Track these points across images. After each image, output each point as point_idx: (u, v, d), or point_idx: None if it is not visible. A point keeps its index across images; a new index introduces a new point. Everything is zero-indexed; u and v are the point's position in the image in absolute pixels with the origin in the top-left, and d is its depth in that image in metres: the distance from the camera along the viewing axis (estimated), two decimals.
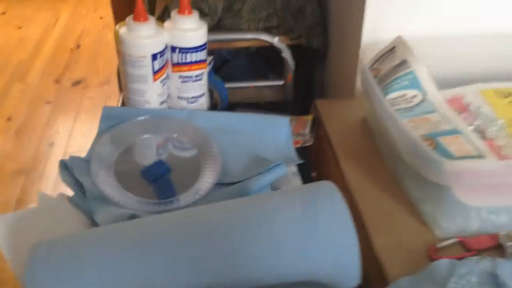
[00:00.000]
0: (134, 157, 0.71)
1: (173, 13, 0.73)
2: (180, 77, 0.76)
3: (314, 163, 0.83)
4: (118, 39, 0.72)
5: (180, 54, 0.74)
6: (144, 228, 0.49)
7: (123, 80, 0.75)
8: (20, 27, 3.22)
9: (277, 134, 0.77)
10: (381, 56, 0.78)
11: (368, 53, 0.82)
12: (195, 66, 0.75)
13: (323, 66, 1.20)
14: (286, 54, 0.90)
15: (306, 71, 1.18)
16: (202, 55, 0.75)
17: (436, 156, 0.58)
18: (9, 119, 2.34)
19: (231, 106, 0.89)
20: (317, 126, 0.85)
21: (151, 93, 0.75)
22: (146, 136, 0.74)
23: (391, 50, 0.77)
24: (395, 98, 0.72)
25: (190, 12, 0.73)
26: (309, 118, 0.87)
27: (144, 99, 0.75)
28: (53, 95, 2.52)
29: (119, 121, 0.74)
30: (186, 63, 0.75)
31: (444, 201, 0.62)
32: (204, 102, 0.80)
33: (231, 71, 1.27)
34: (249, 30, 1.15)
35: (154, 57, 0.71)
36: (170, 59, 0.75)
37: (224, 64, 1.29)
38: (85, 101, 2.49)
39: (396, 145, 0.67)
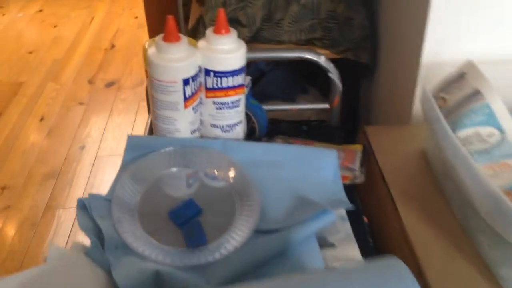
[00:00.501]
0: (160, 196, 0.63)
1: (208, 32, 0.64)
2: (215, 103, 0.67)
3: (363, 202, 0.73)
4: (146, 60, 0.64)
5: (215, 78, 0.65)
6: None
7: (151, 104, 0.66)
8: (56, 26, 3.22)
9: (323, 169, 0.68)
10: (448, 83, 0.67)
11: (430, 77, 0.71)
12: (232, 92, 0.66)
13: (371, 84, 1.09)
14: (334, 75, 0.80)
15: (351, 88, 1.07)
16: (240, 79, 0.66)
17: None
18: (42, 119, 2.32)
19: (271, 127, 0.79)
20: (367, 157, 0.75)
21: (182, 121, 0.66)
22: (173, 170, 0.65)
23: (460, 76, 0.66)
24: (467, 136, 0.61)
25: (227, 31, 0.63)
26: (358, 148, 0.77)
27: (174, 127, 0.66)
28: (87, 96, 2.48)
29: (145, 151, 0.66)
30: (221, 88, 0.66)
31: None
32: (240, 130, 0.71)
33: (268, 85, 1.17)
34: (289, 42, 1.05)
35: (185, 82, 0.63)
36: (204, 83, 0.66)
37: (261, 77, 1.20)
38: (118, 103, 2.45)
39: (469, 194, 0.56)
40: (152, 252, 0.55)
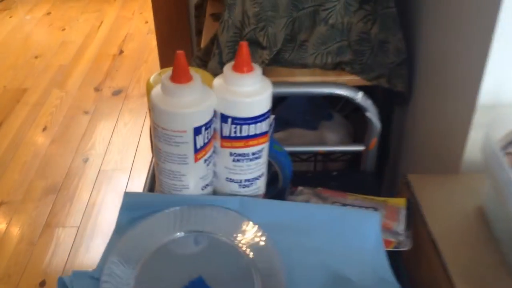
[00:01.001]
0: (161, 271, 0.50)
1: (227, 70, 0.52)
2: (232, 154, 0.55)
3: (410, 271, 0.61)
4: (149, 101, 0.52)
5: (233, 126, 0.53)
6: None
7: (154, 155, 0.55)
8: (64, 29, 3.12)
9: (363, 237, 0.55)
10: None
11: (489, 120, 0.59)
12: (254, 141, 0.54)
13: (406, 119, 0.96)
14: (372, 114, 0.68)
15: (383, 122, 0.95)
16: (264, 126, 0.54)
17: None
18: (45, 128, 2.22)
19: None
20: (412, 215, 0.63)
21: (191, 176, 0.54)
22: (178, 235, 0.53)
23: None
24: None
25: (250, 69, 0.51)
26: (401, 204, 0.64)
27: (181, 183, 0.54)
28: (92, 104, 2.38)
29: (145, 211, 0.54)
30: (241, 138, 0.53)
31: None
32: (261, 185, 0.59)
33: (288, 111, 1.05)
34: (314, 65, 0.93)
35: (197, 131, 0.51)
36: (220, 130, 0.54)
37: (280, 102, 1.07)
38: (125, 113, 2.34)
39: None
40: None
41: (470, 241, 0.58)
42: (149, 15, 3.25)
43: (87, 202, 1.82)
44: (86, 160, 2.03)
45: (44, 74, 2.63)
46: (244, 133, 0.53)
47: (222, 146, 0.55)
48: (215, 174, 0.57)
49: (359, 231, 0.55)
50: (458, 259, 0.55)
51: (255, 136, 0.54)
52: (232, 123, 0.52)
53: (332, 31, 0.91)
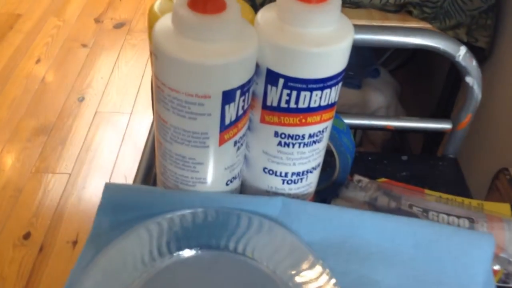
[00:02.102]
0: None
1: None
2: (279, 135, 0.34)
3: None
4: (152, 41, 0.31)
5: (287, 91, 0.32)
6: None
7: (155, 129, 0.34)
8: None
9: (468, 271, 0.36)
10: None
11: None
12: (315, 117, 0.34)
13: (480, 88, 0.75)
14: (475, 80, 0.47)
15: (449, 83, 0.74)
16: (333, 93, 0.33)
17: None
18: (38, 61, 2.02)
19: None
20: None
21: (212, 166, 0.34)
22: (187, 253, 0.34)
23: None
24: None
25: None
26: (505, 212, 0.45)
27: (196, 176, 0.34)
28: (91, 37, 2.18)
29: (135, 215, 0.34)
30: (296, 111, 0.33)
31: None
32: (314, 180, 0.38)
33: None
34: (371, 5, 0.71)
35: (227, 97, 0.30)
36: (263, 96, 0.33)
37: None
38: (126, 48, 2.15)
39: None
40: None
41: None
42: None
43: (81, 147, 1.65)
44: (81, 100, 1.85)
45: (40, 0, 2.40)
46: (301, 104, 0.33)
47: (263, 122, 0.34)
48: (246, 161, 0.37)
49: (463, 261, 0.36)
50: None
51: (318, 109, 0.33)
52: (285, 86, 0.32)
53: None
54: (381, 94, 0.85)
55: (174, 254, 0.34)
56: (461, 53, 0.45)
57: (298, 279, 0.33)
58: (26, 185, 1.52)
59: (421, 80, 0.92)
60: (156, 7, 0.37)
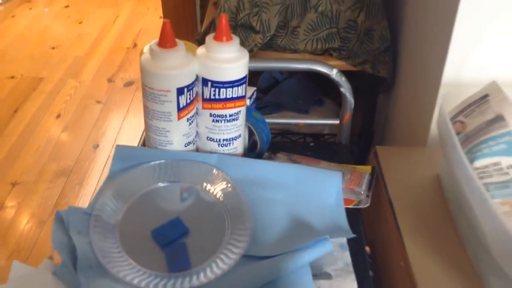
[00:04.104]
0: (145, 212, 0.58)
1: (208, 39, 0.59)
2: (212, 115, 0.62)
3: (368, 229, 0.67)
4: (140, 66, 0.60)
5: (213, 89, 0.60)
6: None
7: (144, 115, 0.62)
8: (81, 22, 3.23)
9: (325, 192, 0.62)
10: (469, 105, 0.60)
11: (450, 97, 0.65)
12: (231, 104, 0.61)
13: (388, 100, 1.03)
14: (346, 90, 0.74)
15: (367, 105, 1.01)
16: (240, 90, 0.61)
17: None
18: (58, 116, 2.31)
19: (276, 141, 0.74)
20: (376, 180, 0.69)
21: (175, 133, 0.61)
22: (162, 185, 0.61)
23: (482, 99, 0.59)
24: (485, 167, 0.55)
25: (228, 39, 0.58)
26: (367, 170, 0.71)
27: (166, 139, 0.62)
28: (105, 94, 2.47)
29: (134, 162, 0.62)
30: (219, 100, 0.61)
31: None
32: (238, 145, 0.66)
33: (281, 95, 1.12)
34: (305, 50, 1.00)
35: (180, 91, 0.58)
36: (201, 93, 0.61)
37: (274, 86, 1.14)
38: (135, 103, 2.42)
39: (481, 231, 0.50)
40: (128, 274, 0.50)
41: (423, 203, 0.64)
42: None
43: (96, 185, 1.91)
44: (96, 147, 2.12)
45: (60, 65, 2.73)
46: (222, 96, 0.60)
47: (203, 108, 0.62)
48: (197, 134, 0.65)
49: (322, 188, 0.62)
50: (409, 217, 0.62)
51: (232, 99, 0.61)
52: (212, 86, 0.60)
53: (322, 19, 0.98)
54: (324, 118, 1.12)
55: (157, 183, 0.60)
56: (333, 72, 0.73)
57: (212, 185, 0.59)
58: (49, 219, 1.77)
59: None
60: (144, 49, 0.65)
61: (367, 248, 0.62)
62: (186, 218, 0.57)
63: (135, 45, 2.95)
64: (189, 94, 0.59)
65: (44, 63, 2.74)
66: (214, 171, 0.61)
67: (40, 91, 2.48)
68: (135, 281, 0.50)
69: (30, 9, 3.44)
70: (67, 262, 0.50)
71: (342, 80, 0.74)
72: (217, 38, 0.59)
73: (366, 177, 0.69)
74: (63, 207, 1.79)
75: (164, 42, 0.56)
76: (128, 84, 2.56)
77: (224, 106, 0.61)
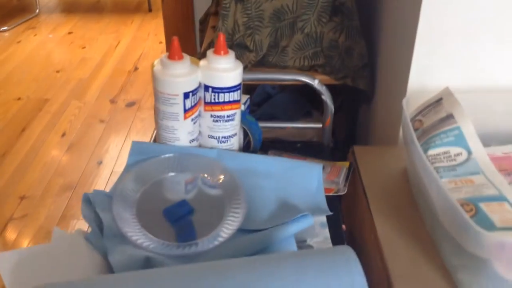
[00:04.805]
0: (157, 195, 0.70)
1: (209, 52, 0.72)
2: (212, 116, 0.74)
3: (345, 214, 0.79)
4: (152, 74, 0.72)
5: (213, 94, 0.72)
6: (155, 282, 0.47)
7: (155, 116, 0.74)
8: (84, 47, 3.38)
9: (308, 180, 0.74)
10: (426, 107, 0.73)
11: (414, 102, 0.78)
12: (228, 106, 0.74)
13: (368, 108, 1.16)
14: (327, 97, 0.87)
15: (350, 113, 1.14)
16: (235, 95, 0.73)
17: (475, 227, 0.52)
18: (63, 135, 2.42)
19: (268, 143, 0.86)
20: (352, 174, 0.81)
21: (181, 131, 0.73)
22: (171, 174, 0.73)
23: (437, 101, 0.72)
24: (437, 155, 0.67)
25: (225, 52, 0.71)
26: (345, 165, 0.83)
27: (174, 136, 0.74)
28: (108, 114, 2.59)
29: (147, 156, 0.73)
30: (218, 103, 0.73)
31: (483, 273, 0.56)
32: (235, 142, 0.78)
33: (273, 107, 1.25)
34: (293, 67, 1.13)
35: (186, 95, 0.70)
36: (203, 97, 0.74)
37: (267, 100, 1.27)
38: (137, 122, 2.54)
39: (434, 205, 0.62)
40: (144, 241, 0.61)
41: (391, 190, 0.76)
42: (163, 36, 3.51)
43: None
44: (100, 163, 2.23)
45: (65, 87, 2.86)
46: (221, 100, 0.73)
47: (205, 110, 0.74)
48: (200, 132, 0.77)
49: (305, 176, 0.74)
50: (378, 201, 0.73)
51: (229, 102, 0.73)
52: (212, 91, 0.72)
53: (308, 39, 1.12)
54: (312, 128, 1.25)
55: (167, 173, 0.72)
56: (315, 82, 0.85)
57: (212, 174, 0.71)
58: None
59: (341, 118, 1.32)
60: (155, 62, 0.78)
61: (344, 226, 0.73)
62: (191, 200, 0.69)
63: (136, 68, 3.09)
64: (194, 98, 0.72)
65: (49, 86, 2.87)
66: (215, 162, 0.73)
67: (46, 112, 2.60)
68: (151, 247, 0.61)
69: (35, 35, 3.59)
70: (95, 230, 0.61)
71: (323, 89, 0.86)
72: (216, 52, 0.71)
73: (344, 170, 0.81)
74: (69, 219, 1.91)
75: (173, 55, 0.69)
76: (130, 104, 2.68)
77: (223, 108, 0.73)
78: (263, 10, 1.10)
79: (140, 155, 0.74)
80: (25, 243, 1.79)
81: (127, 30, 3.68)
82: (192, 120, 0.74)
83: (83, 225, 1.86)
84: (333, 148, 0.98)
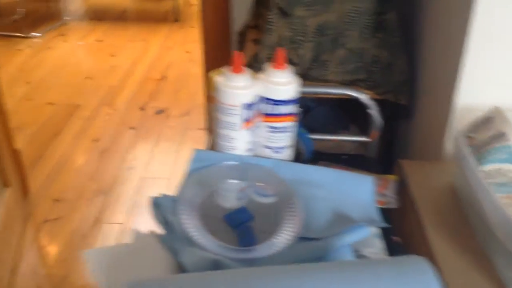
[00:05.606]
0: (218, 201, 0.73)
1: (268, 66, 0.75)
2: (269, 127, 0.77)
3: (395, 227, 0.81)
4: (212, 86, 0.75)
5: (271, 106, 0.75)
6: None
7: (213, 125, 0.77)
8: (113, 55, 3.46)
9: (360, 192, 0.76)
10: (477, 124, 0.75)
11: (460, 118, 0.80)
12: (285, 118, 0.77)
13: (408, 124, 1.18)
14: (374, 111, 0.90)
15: (389, 127, 1.16)
16: (292, 108, 0.76)
17: None
18: (95, 140, 2.48)
19: (315, 155, 0.89)
20: (401, 188, 0.83)
21: (239, 140, 0.77)
22: (231, 181, 0.76)
23: (488, 119, 0.74)
24: (489, 171, 0.69)
25: (285, 67, 0.74)
26: (393, 178, 0.85)
27: (231, 145, 0.77)
28: (137, 121, 2.65)
29: (207, 163, 0.77)
30: (276, 115, 0.76)
31: None
32: (289, 153, 0.81)
33: (313, 120, 1.27)
34: (334, 81, 1.16)
35: (245, 106, 0.74)
36: (262, 109, 0.77)
37: (306, 113, 1.30)
38: (165, 130, 2.59)
39: (488, 220, 0.64)
40: (209, 245, 0.64)
41: (441, 204, 0.78)
42: (189, 46, 3.58)
43: (130, 203, 2.06)
44: (130, 168, 2.28)
45: (95, 93, 2.93)
46: (279, 112, 0.76)
47: (262, 121, 0.77)
48: (256, 142, 0.80)
49: (358, 188, 0.77)
50: (430, 214, 0.75)
51: (286, 114, 0.76)
52: (271, 103, 0.75)
53: (350, 54, 1.14)
54: (350, 141, 1.27)
55: (227, 179, 0.75)
56: (363, 96, 0.88)
57: (269, 183, 0.74)
58: (89, 232, 1.91)
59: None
60: (210, 74, 0.82)
61: (396, 239, 0.75)
62: (250, 208, 0.72)
63: (164, 77, 3.15)
64: (252, 109, 0.75)
65: (80, 92, 2.95)
66: (271, 172, 0.76)
67: (77, 117, 2.67)
68: (216, 250, 0.64)
69: (65, 42, 3.69)
70: (167, 233, 0.64)
71: (370, 103, 0.89)
72: (276, 66, 0.75)
73: (392, 183, 0.83)
74: (102, 222, 1.95)
75: (236, 68, 0.73)
76: (159, 112, 2.74)
77: (280, 120, 0.76)
78: (307, 25, 1.13)
79: (200, 162, 0.77)
80: (59, 245, 1.83)
81: (155, 39, 3.75)
82: (250, 130, 0.77)
83: (114, 229, 1.90)
84: (373, 160, 1.00)
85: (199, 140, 2.47)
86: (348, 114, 1.35)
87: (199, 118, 2.65)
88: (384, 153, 1.11)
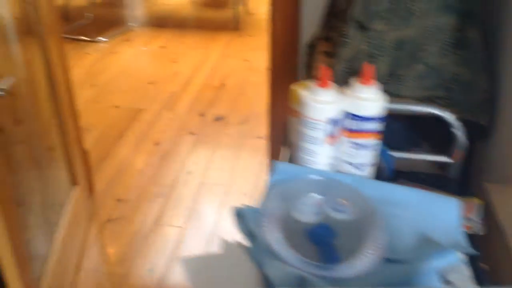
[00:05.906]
0: (300, 215, 0.72)
1: (353, 82, 0.74)
2: (352, 143, 0.76)
3: (479, 253, 0.77)
4: (296, 100, 0.75)
5: (356, 122, 0.74)
6: None
7: (294, 137, 0.77)
8: (175, 61, 3.54)
9: (446, 214, 0.74)
10: None
11: None
12: (369, 135, 0.75)
13: (485, 144, 1.13)
14: (459, 131, 0.87)
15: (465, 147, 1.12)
16: (378, 125, 0.75)
17: None
18: (156, 143, 2.54)
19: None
20: (486, 212, 0.80)
21: (321, 155, 0.76)
22: (313, 195, 0.75)
23: None
24: None
25: (371, 82, 0.73)
26: (478, 202, 0.82)
27: (313, 159, 0.76)
28: (197, 127, 2.69)
29: (289, 176, 0.77)
30: (360, 131, 0.75)
31: None
32: (371, 169, 0.79)
33: (386, 138, 1.25)
34: (409, 97, 1.13)
35: (330, 121, 0.73)
36: (346, 124, 0.76)
37: None
38: (223, 137, 2.62)
39: None
40: (291, 259, 0.64)
41: None
42: (248, 54, 3.61)
43: (189, 207, 2.09)
44: (190, 173, 2.31)
45: (157, 98, 3.00)
46: (364, 128, 0.75)
47: (345, 136, 0.77)
48: (338, 157, 0.79)
49: (444, 210, 0.74)
50: None
51: (372, 131, 0.75)
52: (356, 119, 0.74)
53: (428, 70, 1.11)
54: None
55: (309, 193, 0.75)
56: (447, 115, 0.85)
57: (357, 206, 0.73)
58: (149, 233, 1.95)
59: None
60: (292, 87, 0.81)
61: (485, 266, 0.72)
62: (332, 224, 0.71)
63: (223, 84, 3.19)
64: (337, 124, 0.74)
65: (143, 96, 3.03)
66: (354, 189, 0.75)
67: (140, 121, 2.74)
68: (299, 265, 0.63)
69: (130, 47, 3.81)
70: (253, 245, 0.65)
71: (456, 123, 0.86)
72: (362, 81, 0.74)
73: (477, 207, 0.80)
74: (162, 224, 1.98)
75: (322, 82, 0.72)
76: (218, 119, 2.77)
77: (365, 136, 0.75)
78: (385, 39, 1.11)
79: (281, 175, 0.77)
80: (121, 244, 1.88)
81: (215, 47, 3.81)
82: (332, 145, 0.76)
83: (174, 232, 1.93)
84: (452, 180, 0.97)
85: (257, 148, 2.48)
86: (420, 132, 1.31)
87: (257, 126, 2.67)
88: (460, 174, 1.07)
